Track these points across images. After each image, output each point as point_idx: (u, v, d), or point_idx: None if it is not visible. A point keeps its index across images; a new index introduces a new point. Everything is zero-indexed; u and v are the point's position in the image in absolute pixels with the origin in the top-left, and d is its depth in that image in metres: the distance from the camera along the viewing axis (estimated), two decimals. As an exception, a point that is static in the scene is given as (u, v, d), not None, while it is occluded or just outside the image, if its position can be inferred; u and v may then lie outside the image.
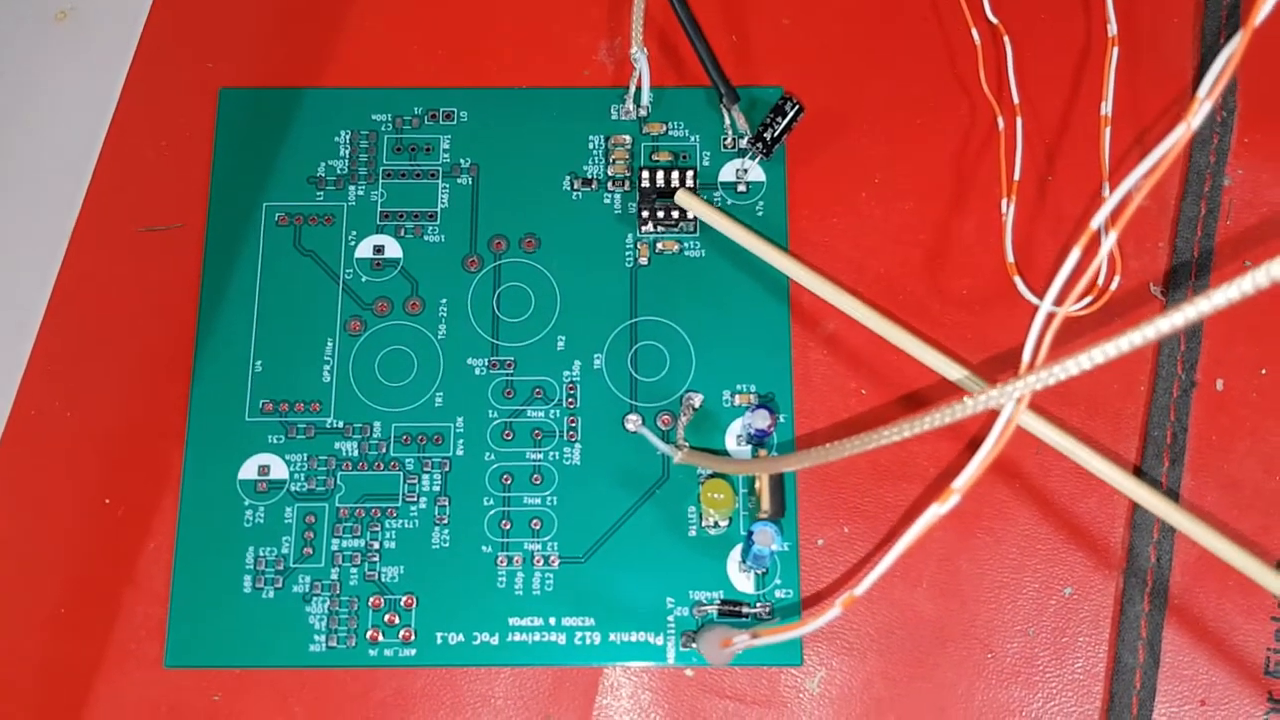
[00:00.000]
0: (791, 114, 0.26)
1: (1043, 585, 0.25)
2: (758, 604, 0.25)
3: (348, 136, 0.27)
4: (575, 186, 0.27)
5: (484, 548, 0.25)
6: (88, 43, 0.29)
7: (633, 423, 0.25)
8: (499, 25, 0.29)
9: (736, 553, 0.25)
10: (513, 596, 0.25)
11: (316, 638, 0.24)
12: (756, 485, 0.25)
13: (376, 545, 0.25)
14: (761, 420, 0.25)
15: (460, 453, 0.25)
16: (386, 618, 0.24)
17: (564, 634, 0.24)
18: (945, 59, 0.28)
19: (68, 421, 0.26)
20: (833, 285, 0.25)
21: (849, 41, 0.28)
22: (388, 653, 0.24)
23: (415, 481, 0.25)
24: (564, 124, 0.28)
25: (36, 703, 0.24)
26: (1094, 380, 0.26)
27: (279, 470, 0.25)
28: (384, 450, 0.25)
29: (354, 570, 0.25)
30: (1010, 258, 0.27)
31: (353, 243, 0.27)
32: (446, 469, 0.25)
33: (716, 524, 0.25)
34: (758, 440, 0.25)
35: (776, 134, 0.26)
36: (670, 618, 0.25)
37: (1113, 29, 0.27)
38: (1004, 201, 0.27)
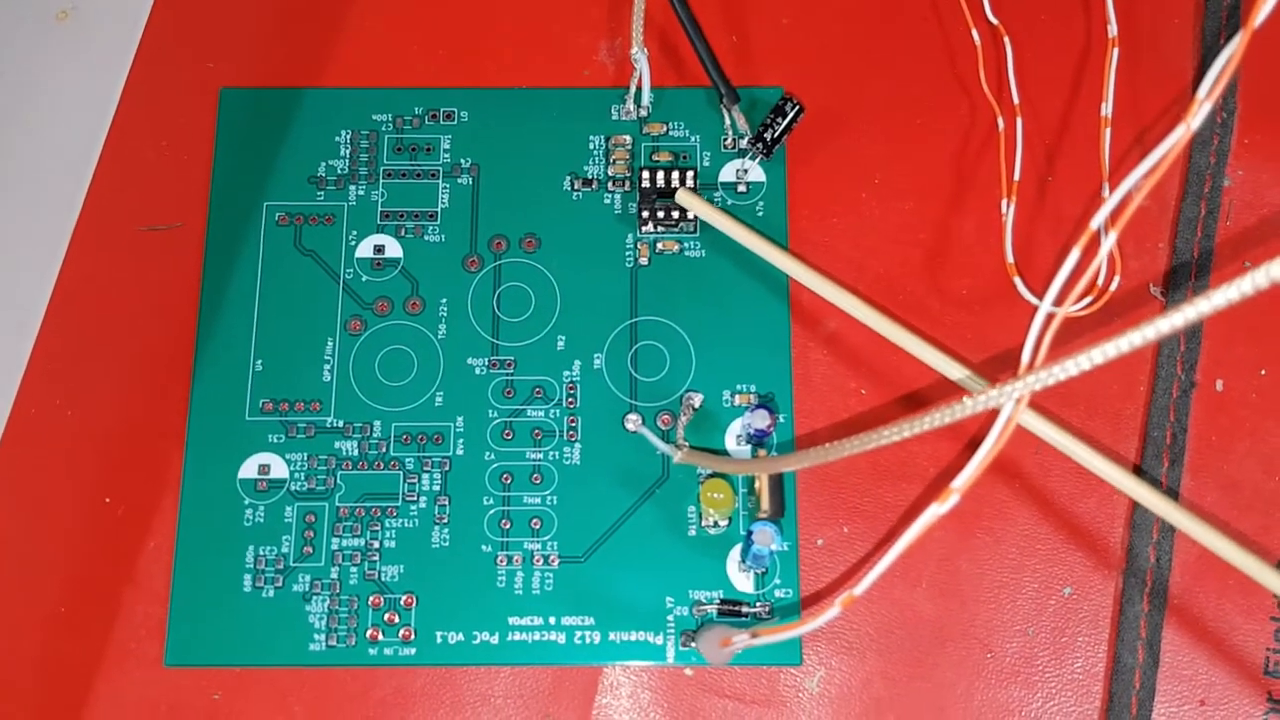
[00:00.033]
0: (791, 114, 0.26)
1: (1042, 585, 0.25)
2: (757, 603, 0.25)
3: (348, 136, 0.27)
4: (575, 186, 0.27)
5: (484, 547, 0.25)
6: (88, 43, 0.29)
7: (632, 422, 0.25)
8: (499, 25, 0.29)
9: (736, 552, 0.25)
10: (512, 596, 0.25)
11: (316, 637, 0.24)
12: (756, 485, 0.25)
13: (376, 544, 0.25)
14: (761, 420, 0.25)
15: (460, 452, 0.25)
16: (386, 617, 0.25)
17: (563, 633, 0.24)
18: (945, 59, 0.28)
19: (68, 421, 0.26)
20: (833, 284, 0.25)
21: (849, 41, 0.28)
22: (387, 652, 0.24)
23: (415, 481, 0.25)
24: (564, 124, 0.28)
25: (36, 702, 0.24)
26: (1093, 381, 0.26)
27: (279, 469, 0.25)
28: (384, 450, 0.25)
29: (354, 569, 0.25)
30: (1010, 258, 0.27)
31: (353, 242, 0.27)
32: (446, 468, 0.25)
33: (716, 524, 0.25)
34: (757, 440, 0.25)
35: (776, 134, 0.26)
36: (670, 617, 0.25)
37: (1113, 29, 0.27)
38: (1004, 202, 0.27)
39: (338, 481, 0.25)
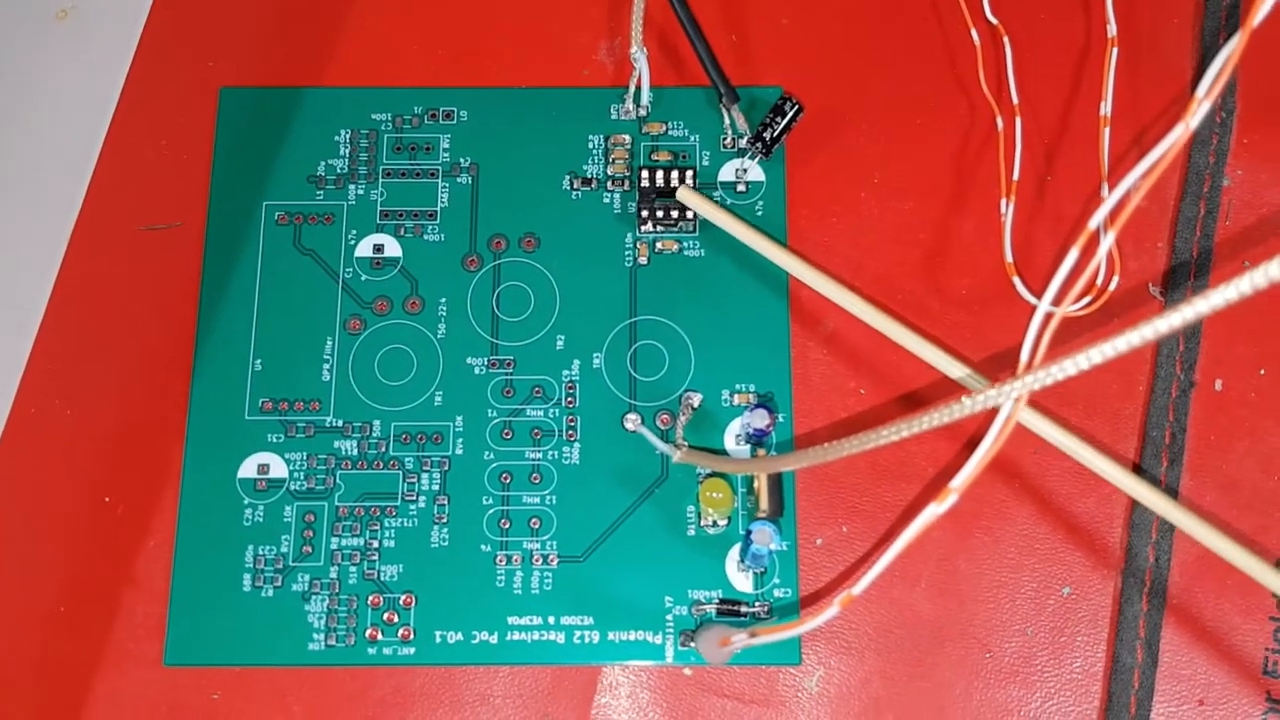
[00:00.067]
0: (791, 114, 0.26)
1: (1041, 585, 0.25)
2: (756, 603, 0.25)
3: (348, 136, 0.27)
4: (575, 186, 0.27)
5: (483, 546, 0.25)
6: (88, 42, 0.29)
7: (632, 422, 0.25)
8: (499, 25, 0.29)
9: (735, 552, 0.25)
10: (512, 595, 0.25)
11: (316, 636, 0.24)
12: (755, 484, 0.25)
13: (376, 544, 0.25)
14: (760, 419, 0.25)
15: (459, 452, 0.25)
16: (385, 616, 0.25)
17: (563, 633, 0.24)
18: (945, 59, 0.28)
19: (68, 420, 0.26)
20: (832, 281, 0.25)
21: (849, 41, 0.28)
22: (386, 651, 0.24)
23: (414, 480, 0.25)
24: (564, 124, 0.28)
25: (36, 701, 0.24)
26: (1092, 380, 0.26)
27: (278, 469, 0.25)
28: (383, 449, 0.25)
29: (353, 569, 0.25)
30: (1009, 257, 0.27)
31: (352, 242, 0.27)
32: (446, 468, 0.25)
33: (715, 523, 0.25)
34: (757, 440, 0.25)
35: (776, 134, 0.26)
36: (669, 617, 0.25)
37: (1112, 29, 0.27)
38: (1003, 201, 0.27)
39: (337, 481, 0.25)
